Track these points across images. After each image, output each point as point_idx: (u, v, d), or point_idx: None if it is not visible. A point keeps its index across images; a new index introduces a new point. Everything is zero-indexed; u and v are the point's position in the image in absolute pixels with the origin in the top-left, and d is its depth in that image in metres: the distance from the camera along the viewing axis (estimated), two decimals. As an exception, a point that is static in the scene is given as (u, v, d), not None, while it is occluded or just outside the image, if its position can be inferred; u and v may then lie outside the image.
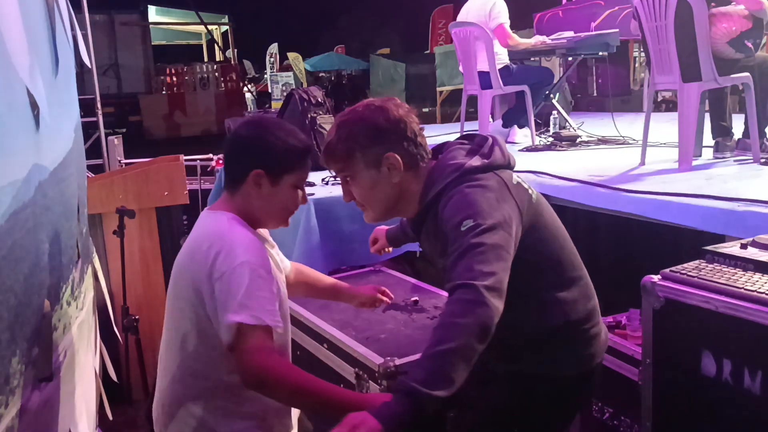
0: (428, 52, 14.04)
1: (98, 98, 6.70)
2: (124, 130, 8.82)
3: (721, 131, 3.92)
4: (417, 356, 2.38)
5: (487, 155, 1.68)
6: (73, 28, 2.11)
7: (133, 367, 3.60)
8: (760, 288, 1.50)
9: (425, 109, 12.02)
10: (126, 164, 6.16)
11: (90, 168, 6.62)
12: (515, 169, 1.77)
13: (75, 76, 1.92)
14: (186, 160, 4.78)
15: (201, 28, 18.15)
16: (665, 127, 4.55)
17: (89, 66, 3.08)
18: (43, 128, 1.50)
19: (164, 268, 3.98)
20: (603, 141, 4.94)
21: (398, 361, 2.11)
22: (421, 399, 1.28)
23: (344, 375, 2.32)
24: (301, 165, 1.68)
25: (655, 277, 1.70)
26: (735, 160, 3.70)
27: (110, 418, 2.77)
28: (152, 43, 17.13)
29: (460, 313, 1.36)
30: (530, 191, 1.72)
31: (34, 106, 1.44)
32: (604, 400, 2.47)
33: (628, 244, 3.57)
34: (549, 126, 5.32)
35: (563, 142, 4.79)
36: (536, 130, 5.03)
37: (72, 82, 1.91)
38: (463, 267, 1.42)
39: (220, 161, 5.66)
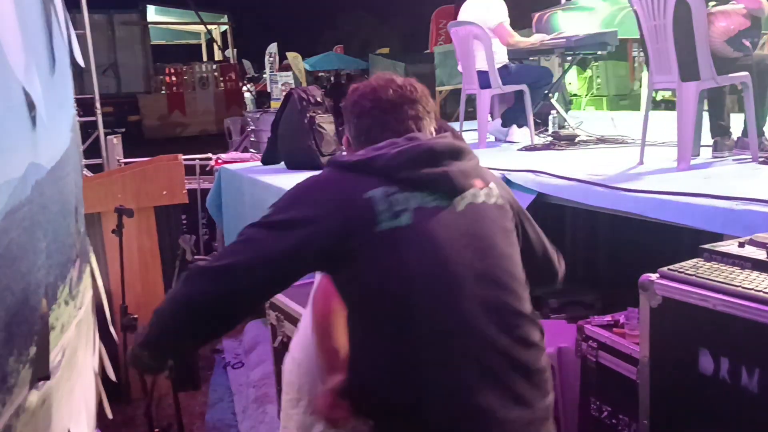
0: (428, 51, 14.04)
1: (97, 98, 6.71)
2: (123, 129, 8.80)
3: (720, 130, 3.92)
4: None
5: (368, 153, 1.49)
6: (68, 28, 2.10)
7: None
8: (757, 286, 1.50)
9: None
10: (125, 164, 6.17)
11: (89, 167, 6.63)
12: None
13: (71, 76, 1.92)
14: (185, 160, 4.79)
15: (200, 28, 18.15)
16: (664, 126, 4.56)
17: (83, 66, 3.07)
18: (40, 127, 1.50)
19: (163, 267, 3.99)
20: (602, 140, 4.95)
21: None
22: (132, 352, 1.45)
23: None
24: None
25: (653, 276, 1.70)
26: (734, 159, 3.70)
27: (110, 417, 2.77)
28: (151, 43, 17.13)
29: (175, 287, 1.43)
30: (388, 220, 1.39)
31: (31, 104, 1.44)
32: (601, 399, 2.47)
33: (627, 243, 3.58)
34: (548, 125, 5.32)
35: (562, 142, 4.79)
36: (535, 130, 5.03)
37: (68, 81, 1.90)
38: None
39: (219, 161, 5.67)
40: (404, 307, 1.39)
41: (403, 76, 1.68)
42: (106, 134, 6.81)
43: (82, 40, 6.63)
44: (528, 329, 1.49)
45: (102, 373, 2.73)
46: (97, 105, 6.68)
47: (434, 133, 1.63)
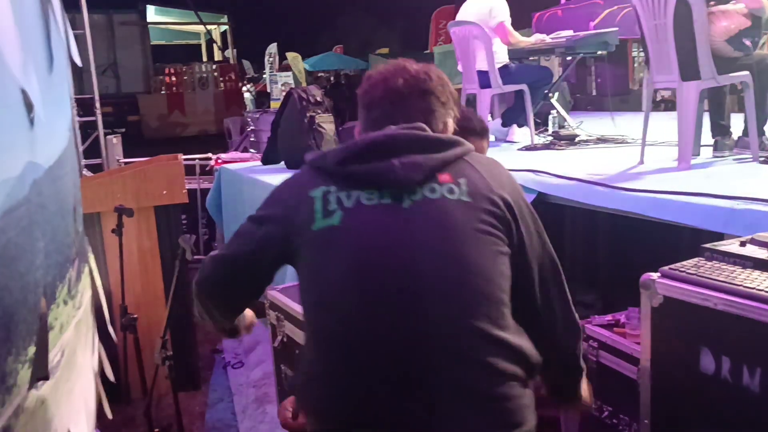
0: (428, 51, 14.03)
1: (97, 97, 6.71)
2: (123, 129, 8.80)
3: (720, 130, 3.92)
4: None
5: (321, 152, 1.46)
6: (65, 28, 2.10)
7: (131, 367, 3.59)
8: (758, 285, 1.49)
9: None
10: (125, 163, 6.17)
11: (89, 167, 6.63)
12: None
13: (70, 75, 1.91)
14: (185, 160, 4.79)
15: (200, 28, 18.16)
16: (664, 126, 4.55)
17: (80, 65, 3.06)
18: (38, 126, 1.50)
19: (163, 267, 3.98)
20: (602, 140, 4.94)
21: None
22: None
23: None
24: None
25: (654, 275, 1.69)
26: (734, 159, 3.70)
27: (109, 417, 2.77)
28: (151, 43, 17.14)
29: None
30: (322, 219, 1.35)
31: (28, 103, 1.43)
32: (602, 399, 2.46)
33: (627, 242, 3.57)
34: (548, 125, 5.32)
35: (562, 141, 4.79)
36: (535, 129, 5.02)
37: (65, 80, 1.90)
38: None
39: (219, 161, 5.67)
40: (320, 310, 1.37)
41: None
42: (105, 134, 6.82)
43: (81, 40, 6.63)
44: (478, 346, 1.31)
45: (101, 374, 2.72)
46: (97, 105, 6.69)
47: (448, 126, 1.52)
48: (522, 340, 1.39)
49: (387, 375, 1.29)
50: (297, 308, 2.64)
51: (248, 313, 1.75)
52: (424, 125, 1.43)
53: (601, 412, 2.48)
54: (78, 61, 2.51)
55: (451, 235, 1.33)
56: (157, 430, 3.30)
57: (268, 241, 1.41)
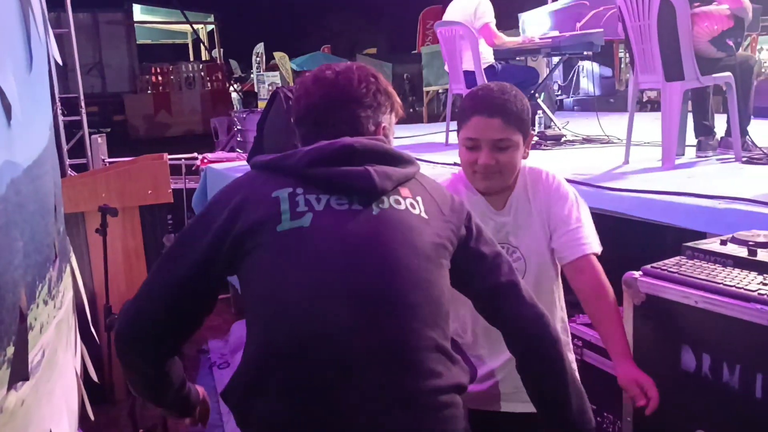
0: (415, 52, 14.04)
1: (82, 97, 6.66)
2: (108, 129, 8.76)
3: (704, 130, 3.95)
4: None
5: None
6: (45, 27, 2.08)
7: (116, 367, 3.57)
8: (738, 283, 1.50)
9: (411, 109, 12.03)
10: (110, 163, 6.13)
11: (73, 167, 6.59)
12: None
13: (49, 75, 1.89)
14: (170, 160, 4.77)
15: (186, 28, 18.08)
16: (650, 126, 4.58)
17: (61, 64, 3.04)
18: (15, 125, 1.48)
19: (148, 267, 3.96)
20: (588, 140, 4.96)
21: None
22: None
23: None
24: (464, 121, 1.81)
25: (636, 274, 1.70)
26: (717, 159, 3.73)
27: (92, 418, 2.74)
28: (137, 42, 17.03)
29: None
30: (289, 220, 1.32)
31: (5, 103, 1.41)
32: (587, 397, 2.47)
33: (612, 241, 3.56)
34: (534, 125, 5.33)
35: (548, 141, 4.80)
36: (521, 129, 5.03)
37: (46, 80, 1.88)
38: None
39: (205, 160, 5.64)
40: (278, 313, 1.30)
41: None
42: (90, 134, 6.77)
43: (66, 39, 6.59)
44: (433, 356, 1.31)
45: (85, 375, 2.70)
46: (82, 104, 6.64)
47: (383, 127, 1.48)
48: (459, 352, 1.44)
49: (346, 381, 1.26)
50: None
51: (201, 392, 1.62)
52: (383, 137, 1.45)
53: (585, 411, 2.49)
54: (59, 60, 2.49)
55: (415, 247, 1.34)
56: (141, 430, 3.28)
57: (217, 249, 1.32)
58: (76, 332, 2.22)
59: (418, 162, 1.50)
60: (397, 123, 1.59)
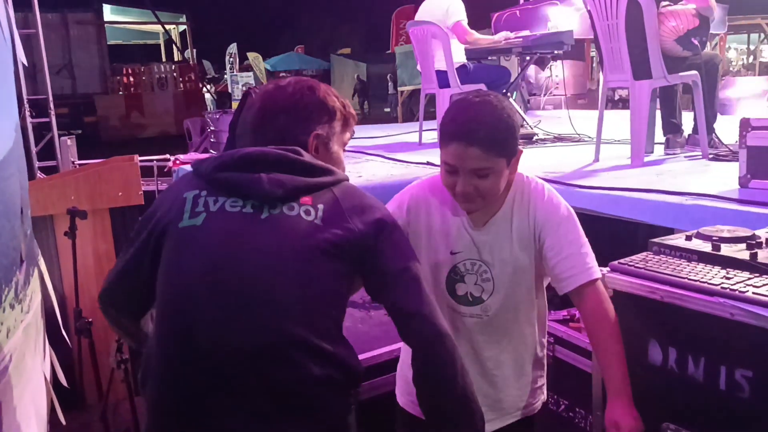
0: (389, 52, 14.06)
1: (51, 98, 6.56)
2: (79, 131, 8.63)
3: (671, 128, 4.02)
4: (375, 352, 2.39)
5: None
6: (10, 27, 2.05)
7: (87, 371, 3.52)
8: (702, 278, 1.53)
9: (386, 109, 12.04)
10: (80, 165, 6.05)
11: (43, 170, 6.49)
12: None
13: (14, 75, 1.86)
14: (142, 161, 4.72)
15: (158, 28, 17.90)
16: (620, 124, 4.64)
17: (26, 64, 3.00)
18: (-20, 126, 1.45)
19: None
20: (559, 139, 5.02)
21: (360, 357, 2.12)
22: None
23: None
24: (443, 144, 1.67)
25: (604, 269, 1.72)
26: (685, 156, 3.80)
27: (63, 423, 2.71)
28: (108, 43, 16.81)
29: None
30: (188, 219, 1.44)
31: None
32: (559, 393, 2.50)
33: (583, 238, 3.62)
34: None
35: (520, 140, 4.83)
36: (494, 128, 5.06)
37: (10, 81, 1.85)
38: None
39: (178, 161, 5.59)
40: (166, 306, 1.42)
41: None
42: (60, 136, 6.67)
43: (34, 39, 6.49)
44: (297, 352, 1.36)
45: (54, 380, 2.66)
46: (51, 106, 6.54)
47: (320, 136, 1.56)
48: (345, 351, 1.44)
49: (210, 373, 1.35)
50: None
51: None
52: (299, 149, 1.50)
53: (558, 406, 2.52)
54: (24, 62, 2.46)
55: (296, 249, 1.40)
56: (114, 434, 3.25)
57: (146, 242, 1.48)
58: (45, 336, 2.19)
59: (341, 174, 1.54)
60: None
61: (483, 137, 1.59)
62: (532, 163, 3.86)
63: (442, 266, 1.82)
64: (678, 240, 1.76)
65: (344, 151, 1.69)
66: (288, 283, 1.38)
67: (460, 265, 1.80)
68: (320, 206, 1.45)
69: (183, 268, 1.40)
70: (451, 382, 1.42)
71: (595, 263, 1.71)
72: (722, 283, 1.49)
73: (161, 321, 1.42)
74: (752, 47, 13.53)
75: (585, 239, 1.73)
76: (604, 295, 1.67)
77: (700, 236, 1.75)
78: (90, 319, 3.21)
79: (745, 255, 1.58)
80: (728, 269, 1.56)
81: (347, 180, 1.56)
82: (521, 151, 1.69)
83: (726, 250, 1.63)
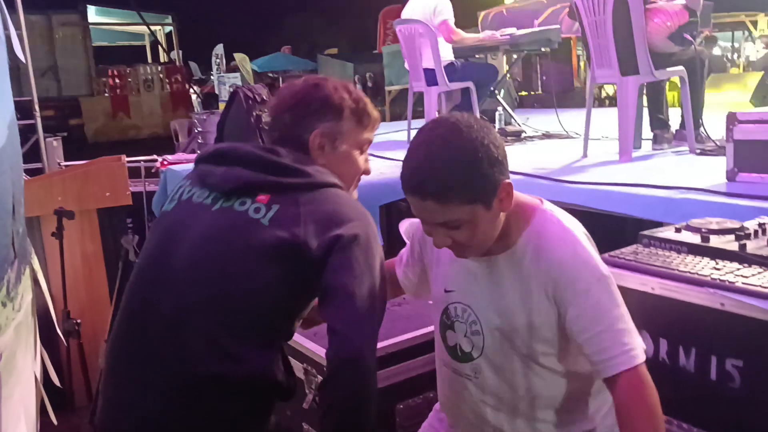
0: (376, 51, 14.05)
1: (35, 100, 6.50)
2: (65, 133, 8.54)
3: (659, 124, 4.04)
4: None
5: None
6: (6, 26, 2.03)
7: (76, 373, 3.50)
8: (692, 269, 1.54)
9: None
10: (66, 167, 6.00)
11: (29, 172, 6.41)
12: None
13: (8, 73, 1.84)
14: (129, 162, 4.68)
15: (144, 29, 17.78)
16: (607, 121, 4.67)
17: (23, 60, 2.97)
18: (-32, 122, 1.44)
19: (108, 272, 3.89)
20: (547, 136, 5.04)
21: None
22: None
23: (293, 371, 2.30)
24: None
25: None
26: (673, 152, 3.82)
27: (54, 423, 2.68)
28: (93, 45, 16.69)
29: None
30: (167, 204, 1.56)
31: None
32: None
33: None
34: (495, 122, 5.39)
35: (508, 137, 4.86)
36: (482, 126, 5.07)
37: (5, 77, 1.83)
38: None
39: (165, 162, 5.55)
40: (126, 290, 1.51)
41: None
42: (46, 138, 6.61)
43: (18, 41, 6.42)
44: (185, 344, 1.37)
45: (45, 380, 2.64)
46: (36, 108, 6.48)
47: (317, 135, 1.53)
48: (261, 356, 1.40)
49: (132, 352, 1.43)
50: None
51: None
52: (277, 148, 1.50)
53: None
54: (21, 57, 2.44)
55: (231, 244, 1.41)
56: (104, 437, 3.22)
57: None
58: (36, 336, 2.17)
59: (323, 179, 1.48)
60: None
61: (435, 190, 1.31)
62: (521, 159, 3.88)
63: (437, 306, 1.58)
64: (668, 232, 1.78)
65: (362, 151, 1.61)
66: (211, 275, 1.39)
67: (452, 307, 1.52)
68: (274, 206, 1.42)
69: (146, 247, 1.52)
70: (354, 411, 1.34)
71: (637, 341, 1.35)
72: (712, 273, 1.50)
73: (123, 299, 1.51)
74: (737, 44, 13.68)
75: (623, 309, 1.37)
76: (644, 386, 1.32)
77: (689, 228, 1.77)
78: (78, 321, 3.19)
79: (734, 246, 1.60)
80: (717, 260, 1.58)
81: (333, 186, 1.48)
82: (506, 183, 1.36)
83: (715, 241, 1.65)
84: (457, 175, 1.30)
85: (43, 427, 2.58)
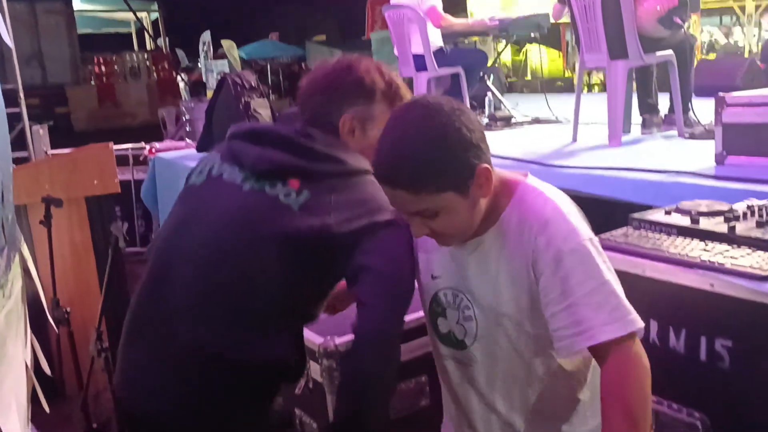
0: (365, 38, 13.98)
1: (20, 87, 6.43)
2: (51, 122, 8.46)
3: (648, 108, 4.06)
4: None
5: None
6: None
7: (66, 362, 3.48)
8: (681, 251, 1.55)
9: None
10: (53, 155, 5.95)
11: (14, 161, 6.36)
12: None
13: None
14: (116, 150, 4.64)
15: (129, 16, 17.61)
16: (597, 107, 4.67)
17: (10, 45, 2.94)
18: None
19: (97, 260, 3.87)
20: (537, 121, 5.04)
21: (338, 340, 2.09)
22: None
23: (305, 352, 2.28)
24: None
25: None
26: (662, 136, 3.84)
27: (47, 410, 2.67)
28: (78, 32, 16.51)
29: None
30: (193, 177, 1.56)
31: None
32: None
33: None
34: (484, 107, 5.39)
35: (498, 123, 4.87)
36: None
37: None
38: None
39: (153, 150, 5.52)
40: (152, 256, 1.53)
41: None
42: (31, 126, 6.55)
43: (3, 25, 6.34)
44: (192, 317, 1.40)
45: (36, 369, 2.63)
46: (21, 95, 6.41)
47: (345, 120, 1.50)
48: (270, 341, 1.40)
49: (151, 322, 1.46)
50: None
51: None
52: (314, 132, 1.47)
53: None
54: (8, 42, 2.40)
55: (257, 227, 1.39)
56: (95, 425, 3.22)
57: None
58: (27, 323, 2.16)
59: (357, 166, 1.46)
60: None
61: (405, 180, 1.24)
62: (511, 144, 3.88)
63: (424, 293, 1.50)
64: (657, 215, 1.79)
65: None
66: (230, 254, 1.40)
67: (441, 294, 1.45)
68: (305, 192, 1.40)
69: (169, 219, 1.53)
70: (376, 380, 1.37)
71: (622, 317, 1.25)
72: (701, 255, 1.51)
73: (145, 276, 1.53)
74: (725, 30, 13.71)
75: (602, 282, 1.26)
76: (628, 366, 1.24)
77: (679, 211, 1.77)
78: (68, 309, 3.17)
79: (723, 228, 1.61)
80: (707, 242, 1.59)
81: (366, 173, 1.44)
82: (484, 168, 1.26)
83: (704, 223, 1.66)
84: (427, 163, 1.22)
85: (35, 415, 2.57)
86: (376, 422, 1.38)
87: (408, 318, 2.17)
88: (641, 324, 1.26)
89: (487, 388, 1.43)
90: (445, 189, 1.24)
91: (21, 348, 1.96)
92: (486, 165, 1.28)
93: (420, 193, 1.24)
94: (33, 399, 2.44)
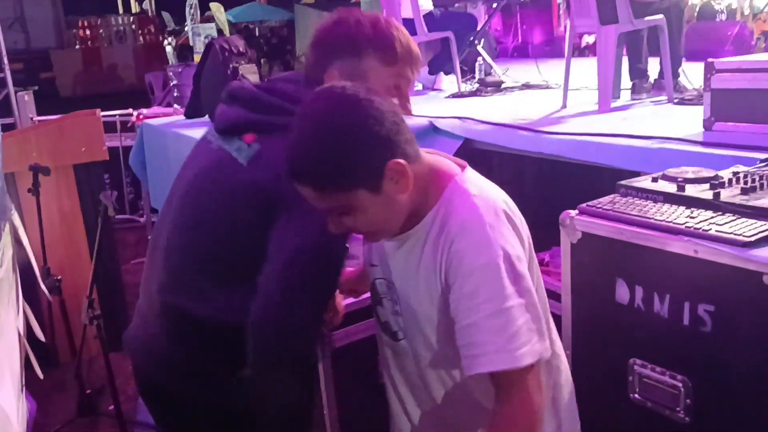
0: (354, 0, 13.79)
1: (4, 53, 6.33)
2: (36, 87, 8.33)
3: (638, 73, 4.04)
4: (350, 327, 2.33)
5: None
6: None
7: (59, 329, 3.51)
8: (667, 218, 1.57)
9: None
10: (39, 122, 5.89)
11: (1, 128, 6.29)
12: None
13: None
14: (104, 116, 4.61)
15: (114, -22, 17.24)
16: (587, 72, 4.66)
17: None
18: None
19: (86, 228, 3.87)
20: (527, 86, 5.02)
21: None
22: None
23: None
24: None
25: (573, 212, 1.75)
26: (651, 101, 3.83)
27: (41, 377, 2.70)
28: (61, -6, 16.17)
29: None
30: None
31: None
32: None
33: (552, 184, 3.67)
34: (474, 72, 5.36)
35: (488, 88, 4.84)
36: (462, 77, 5.06)
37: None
38: None
39: (141, 116, 5.47)
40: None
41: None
42: (16, 92, 6.46)
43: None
44: (173, 278, 1.46)
45: (29, 336, 2.64)
46: (5, 60, 6.31)
47: (332, 75, 1.42)
48: (231, 298, 1.37)
49: (148, 276, 1.55)
50: None
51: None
52: (278, 86, 1.47)
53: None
54: None
55: (213, 184, 1.43)
56: (89, 391, 3.25)
57: None
58: (18, 291, 2.17)
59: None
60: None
61: (308, 177, 1.18)
62: (501, 110, 3.87)
63: (368, 278, 1.48)
64: (644, 182, 1.80)
65: (395, 94, 1.41)
66: (189, 212, 1.46)
67: (378, 283, 1.43)
68: (255, 146, 1.38)
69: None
70: (265, 366, 1.34)
71: (515, 349, 1.16)
72: (687, 222, 1.53)
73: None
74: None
75: (511, 304, 1.18)
76: (515, 412, 1.19)
77: (665, 178, 1.79)
78: (59, 277, 3.18)
79: (708, 195, 1.63)
80: (692, 209, 1.60)
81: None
82: (395, 163, 1.18)
83: (690, 190, 1.67)
84: (329, 160, 1.15)
85: (28, 382, 2.61)
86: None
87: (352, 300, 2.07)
88: (535, 358, 1.18)
89: (418, 380, 1.42)
90: (350, 187, 1.18)
91: (13, 316, 1.97)
92: (398, 160, 1.19)
93: (324, 191, 1.18)
94: (27, 366, 2.47)
